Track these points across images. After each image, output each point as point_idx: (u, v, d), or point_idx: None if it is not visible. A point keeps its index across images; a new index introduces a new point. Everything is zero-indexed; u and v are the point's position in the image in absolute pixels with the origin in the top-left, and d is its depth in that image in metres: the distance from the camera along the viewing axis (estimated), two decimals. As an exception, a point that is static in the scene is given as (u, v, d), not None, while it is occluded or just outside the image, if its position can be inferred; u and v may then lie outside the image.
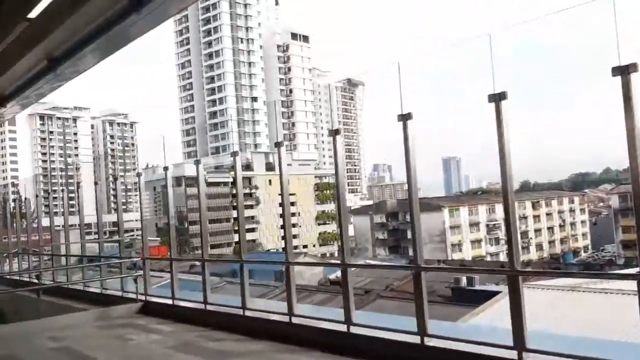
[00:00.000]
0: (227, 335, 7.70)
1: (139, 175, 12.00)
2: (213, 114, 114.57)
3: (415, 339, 5.65)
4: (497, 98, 4.97)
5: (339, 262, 6.62)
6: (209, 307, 8.64)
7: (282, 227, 6.97)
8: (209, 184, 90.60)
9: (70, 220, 14.73)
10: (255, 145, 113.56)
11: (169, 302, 9.55)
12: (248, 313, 7.89)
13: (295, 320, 7.14)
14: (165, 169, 10.10)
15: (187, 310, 9.06)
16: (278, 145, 7.43)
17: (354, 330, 6.34)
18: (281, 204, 7.66)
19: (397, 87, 5.88)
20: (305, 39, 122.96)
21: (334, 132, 6.70)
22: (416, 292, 5.76)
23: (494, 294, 20.38)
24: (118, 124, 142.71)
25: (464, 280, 27.06)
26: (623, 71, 4.22)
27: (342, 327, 6.44)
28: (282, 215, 7.61)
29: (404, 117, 5.81)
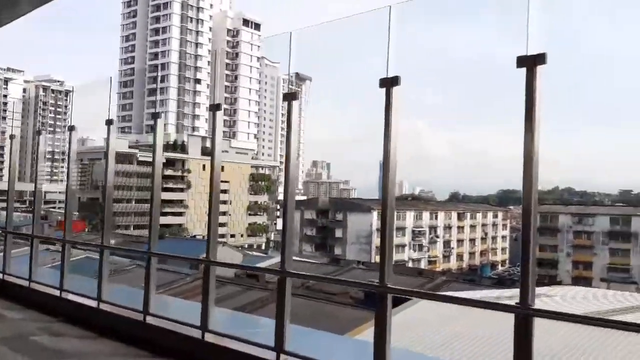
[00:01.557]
0: (75, 330, 6.64)
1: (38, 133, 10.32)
2: (152, 91, 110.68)
3: (272, 355, 4.84)
4: (389, 83, 4.21)
5: (201, 259, 5.71)
6: (65, 295, 7.52)
7: (148, 210, 5.92)
8: (140, 163, 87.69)
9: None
10: (193, 128, 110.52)
11: (25, 283, 8.34)
12: (104, 306, 6.85)
13: (150, 320, 6.17)
14: (71, 128, 8.00)
15: (42, 296, 7.91)
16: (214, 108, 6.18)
17: (209, 338, 5.46)
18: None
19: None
20: (257, 26, 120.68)
21: (214, 107, 5.76)
22: (279, 299, 4.95)
23: (404, 299, 20.08)
24: (52, 90, 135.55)
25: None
26: (528, 62, 3.53)
27: (197, 334, 5.55)
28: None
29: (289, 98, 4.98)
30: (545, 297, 19.97)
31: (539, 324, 3.59)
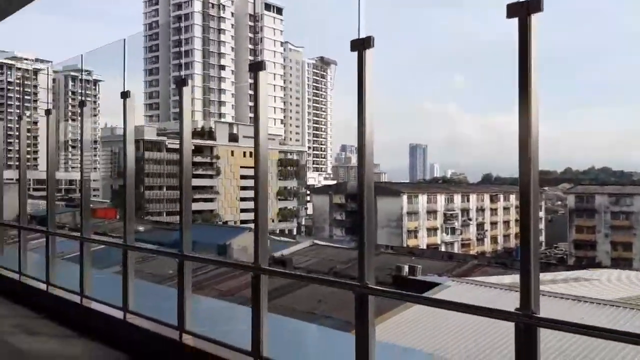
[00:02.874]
0: (55, 328, 6.21)
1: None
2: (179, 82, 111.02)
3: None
4: (361, 45, 3.57)
5: (175, 253, 5.15)
6: (52, 290, 7.12)
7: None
8: (169, 150, 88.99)
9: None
10: (220, 115, 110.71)
11: (16, 277, 8.00)
12: (86, 302, 6.41)
13: (130, 318, 5.69)
14: (47, 112, 7.70)
15: (32, 290, 7.53)
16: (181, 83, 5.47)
17: (187, 340, 4.96)
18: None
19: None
20: (279, 11, 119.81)
21: (181, 83, 5.20)
22: (253, 298, 4.40)
23: (433, 285, 19.42)
24: (80, 80, 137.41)
25: (406, 269, 26.40)
26: (521, 10, 2.82)
27: (175, 335, 5.04)
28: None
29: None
30: (585, 282, 19.00)
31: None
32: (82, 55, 6.92)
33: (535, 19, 2.80)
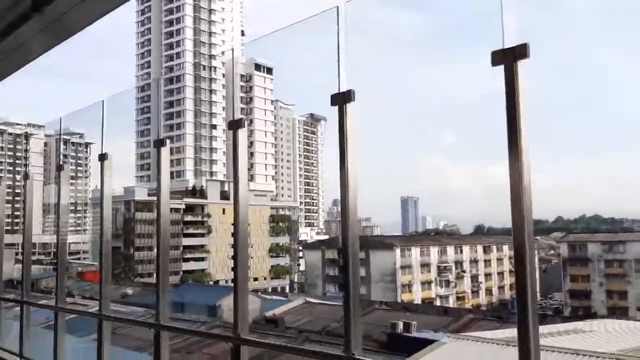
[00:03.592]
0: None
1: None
2: (169, 139, 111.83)
3: None
4: (342, 99, 3.46)
5: (153, 323, 4.85)
6: (25, 363, 6.73)
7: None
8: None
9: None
10: (211, 173, 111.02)
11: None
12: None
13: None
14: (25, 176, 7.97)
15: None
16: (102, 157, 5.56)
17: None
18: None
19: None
20: (269, 70, 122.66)
21: (159, 143, 5.06)
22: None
23: (429, 342, 18.88)
24: (72, 143, 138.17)
25: (400, 326, 25.84)
26: (506, 57, 2.72)
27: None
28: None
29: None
30: (583, 333, 18.58)
31: None
32: (60, 118, 6.81)
33: (522, 65, 2.69)
